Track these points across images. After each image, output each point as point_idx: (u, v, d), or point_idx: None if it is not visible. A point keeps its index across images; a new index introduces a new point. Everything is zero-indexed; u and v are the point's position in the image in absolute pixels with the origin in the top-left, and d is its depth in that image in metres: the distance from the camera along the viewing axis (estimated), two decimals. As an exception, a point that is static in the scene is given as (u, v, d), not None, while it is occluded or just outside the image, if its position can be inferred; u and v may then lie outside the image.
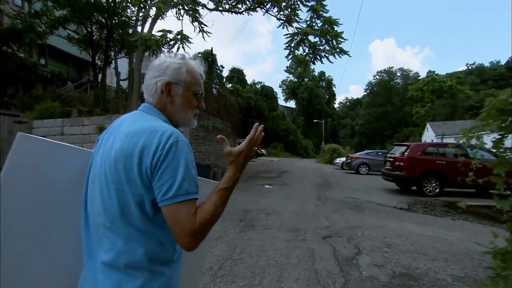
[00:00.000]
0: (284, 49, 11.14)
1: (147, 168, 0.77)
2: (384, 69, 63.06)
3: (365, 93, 67.08)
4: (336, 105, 74.73)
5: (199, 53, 50.92)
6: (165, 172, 0.77)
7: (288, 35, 10.39)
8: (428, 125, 40.26)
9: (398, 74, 62.21)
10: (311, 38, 10.10)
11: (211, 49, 17.81)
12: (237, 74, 56.47)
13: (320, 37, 9.84)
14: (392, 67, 63.03)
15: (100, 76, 18.73)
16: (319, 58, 10.32)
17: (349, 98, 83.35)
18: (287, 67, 64.10)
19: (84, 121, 9.85)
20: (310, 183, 11.31)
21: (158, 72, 0.93)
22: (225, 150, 0.90)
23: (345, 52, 9.92)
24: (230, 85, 48.58)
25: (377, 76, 63.65)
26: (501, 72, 71.36)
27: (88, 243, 0.87)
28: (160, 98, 0.93)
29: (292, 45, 10.91)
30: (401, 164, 8.50)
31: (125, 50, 17.53)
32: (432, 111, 44.81)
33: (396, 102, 60.04)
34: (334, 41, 10.01)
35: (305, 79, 59.58)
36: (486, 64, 78.60)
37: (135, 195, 0.79)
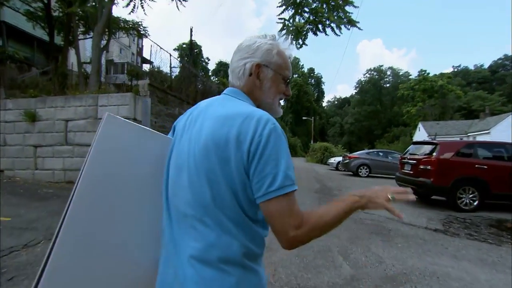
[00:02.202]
0: (277, 22, 8.94)
1: (243, 156, 0.70)
2: (375, 67, 62.13)
3: (355, 91, 66.02)
4: (324, 104, 73.56)
5: (183, 43, 48.55)
6: (268, 162, 0.69)
7: (281, 2, 8.14)
8: (420, 125, 39.17)
9: (388, 73, 61.29)
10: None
11: (191, 30, 15.21)
12: (224, 68, 54.31)
13: (321, 2, 7.66)
14: (382, 65, 62.14)
15: (61, 58, 16.09)
16: (321, 29, 8.14)
17: (337, 97, 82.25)
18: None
19: (8, 104, 7.31)
20: (306, 189, 9.15)
21: (247, 54, 0.85)
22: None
23: (354, 23, 7.80)
24: (217, 78, 46.21)
25: (367, 74, 62.68)
26: (484, 75, 74.12)
27: (172, 235, 0.79)
28: (247, 81, 0.86)
29: (287, 17, 8.70)
30: (429, 168, 6.47)
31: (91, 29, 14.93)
32: (423, 111, 43.84)
33: (386, 101, 59.12)
34: (339, 11, 7.88)
35: (295, 76, 57.75)
36: (471, 67, 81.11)
37: (229, 185, 0.71)
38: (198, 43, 48.08)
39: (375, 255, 3.69)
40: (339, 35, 8.00)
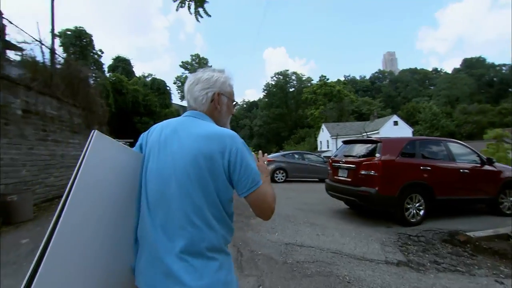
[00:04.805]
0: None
1: (225, 164, 0.93)
2: (281, 71, 64.69)
3: (264, 94, 67.52)
4: (234, 107, 73.15)
5: (67, 30, 40.20)
6: (246, 167, 0.95)
7: None
8: (323, 126, 41.84)
9: (293, 77, 64.69)
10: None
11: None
12: (122, 64, 47.60)
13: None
14: (287, 70, 65.19)
15: None
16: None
17: (246, 100, 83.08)
18: (182, 62, 58.50)
19: None
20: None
21: (208, 84, 1.08)
22: None
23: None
24: (112, 74, 39.71)
25: (274, 77, 64.71)
26: (367, 85, 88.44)
27: (159, 239, 0.91)
28: (209, 106, 1.09)
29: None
30: (372, 173, 4.98)
31: None
32: (325, 113, 47.33)
33: (291, 104, 62.18)
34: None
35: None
36: (357, 77, 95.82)
37: (216, 188, 0.93)
38: (87, 32, 40.44)
39: None
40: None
